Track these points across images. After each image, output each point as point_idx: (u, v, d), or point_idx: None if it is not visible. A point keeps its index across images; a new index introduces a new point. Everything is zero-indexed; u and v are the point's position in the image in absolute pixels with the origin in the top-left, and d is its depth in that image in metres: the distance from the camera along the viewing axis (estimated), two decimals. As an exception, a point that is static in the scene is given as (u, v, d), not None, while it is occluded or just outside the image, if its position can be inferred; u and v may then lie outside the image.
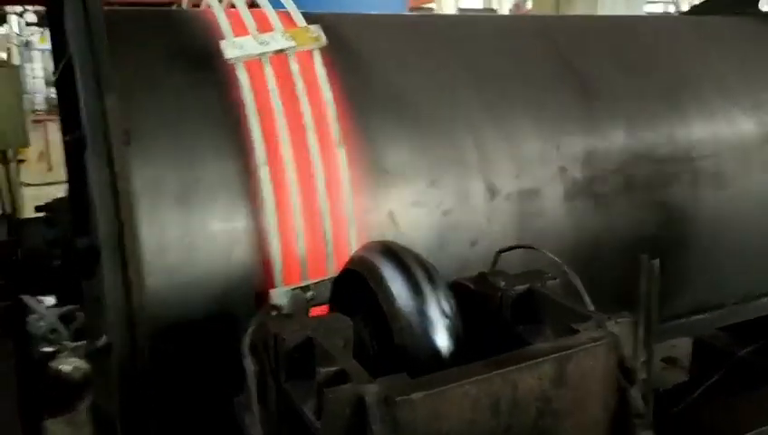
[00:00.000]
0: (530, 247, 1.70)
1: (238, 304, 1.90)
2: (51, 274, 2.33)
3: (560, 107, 2.41)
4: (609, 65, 2.62)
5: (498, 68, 2.42)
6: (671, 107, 2.61)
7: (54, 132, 14.23)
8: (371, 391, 1.16)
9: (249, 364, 1.35)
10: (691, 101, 2.66)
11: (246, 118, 1.92)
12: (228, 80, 1.97)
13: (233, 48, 1.94)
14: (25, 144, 7.32)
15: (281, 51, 1.99)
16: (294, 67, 2.00)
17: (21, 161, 9.91)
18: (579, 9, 7.82)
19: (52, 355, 5.45)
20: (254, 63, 1.97)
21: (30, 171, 11.64)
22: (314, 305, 1.97)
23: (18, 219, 2.33)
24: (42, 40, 18.21)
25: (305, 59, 2.03)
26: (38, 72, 17.02)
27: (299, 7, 2.13)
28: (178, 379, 1.87)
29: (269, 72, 1.97)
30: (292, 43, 2.00)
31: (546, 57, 2.53)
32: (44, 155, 13.52)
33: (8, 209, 7.53)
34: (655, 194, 2.48)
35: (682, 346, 4.50)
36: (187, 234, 1.86)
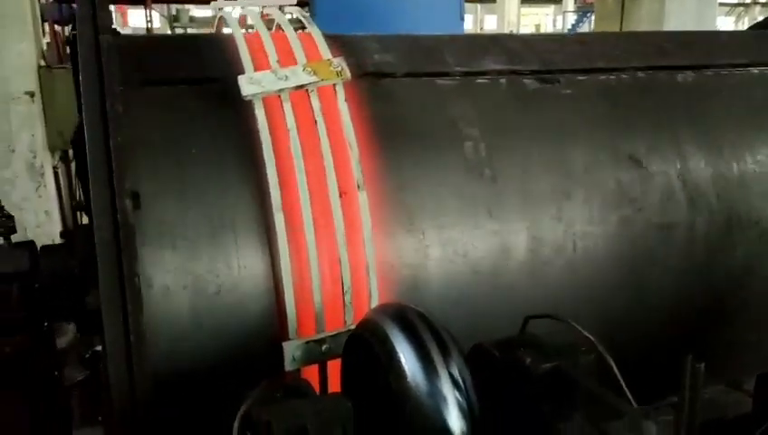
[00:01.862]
0: (562, 320, 1.52)
1: (250, 355, 1.79)
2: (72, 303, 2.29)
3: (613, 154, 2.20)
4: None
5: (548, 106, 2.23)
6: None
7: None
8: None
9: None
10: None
11: (263, 159, 1.81)
12: (247, 116, 1.86)
13: (250, 84, 1.83)
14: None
15: (301, 87, 1.87)
16: (315, 104, 1.88)
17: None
18: (644, 21, 7.45)
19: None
20: (273, 100, 1.86)
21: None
22: (330, 359, 1.86)
23: (42, 246, 2.28)
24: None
25: (328, 95, 1.91)
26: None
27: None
28: (182, 428, 1.77)
29: (288, 109, 1.85)
30: (314, 78, 1.88)
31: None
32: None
33: (67, 205, 7.75)
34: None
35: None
36: (197, 280, 1.76)
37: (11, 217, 2.25)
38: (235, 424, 1.26)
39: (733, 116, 2.42)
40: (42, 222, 6.65)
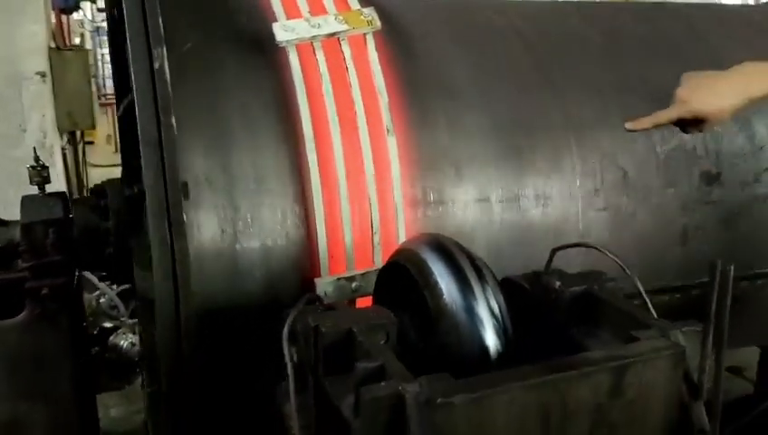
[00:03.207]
0: (590, 246, 1.59)
1: (283, 291, 1.86)
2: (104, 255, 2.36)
3: (624, 98, 2.27)
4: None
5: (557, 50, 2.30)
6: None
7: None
8: (411, 390, 1.09)
9: (288, 354, 1.30)
10: None
11: (297, 103, 1.87)
12: (280, 63, 1.92)
13: (284, 31, 1.89)
14: (92, 126, 7.53)
15: (333, 34, 1.93)
16: (347, 51, 1.94)
17: (89, 143, 10.23)
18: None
19: (111, 331, 5.61)
20: (305, 47, 1.92)
21: (98, 153, 12.07)
22: (359, 296, 1.92)
23: (73, 198, 2.35)
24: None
25: (358, 43, 1.97)
26: (108, 57, 17.55)
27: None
28: (222, 363, 1.84)
29: (320, 56, 1.92)
30: (345, 27, 1.94)
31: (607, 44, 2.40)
32: (111, 138, 13.95)
33: (75, 188, 7.80)
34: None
35: (748, 355, 4.27)
36: (235, 219, 1.83)
37: (45, 168, 2.32)
38: (285, 331, 1.33)
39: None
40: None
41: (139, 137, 1.62)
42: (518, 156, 2.11)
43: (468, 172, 2.04)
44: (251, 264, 1.85)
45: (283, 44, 1.89)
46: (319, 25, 1.92)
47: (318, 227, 1.86)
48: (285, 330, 1.33)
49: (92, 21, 17.34)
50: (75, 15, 15.88)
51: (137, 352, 6.07)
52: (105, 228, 2.32)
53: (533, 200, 2.09)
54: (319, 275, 1.88)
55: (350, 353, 1.28)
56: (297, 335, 1.37)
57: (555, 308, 1.52)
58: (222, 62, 1.92)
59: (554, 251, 1.65)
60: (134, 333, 6.26)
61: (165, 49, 1.66)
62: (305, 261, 1.89)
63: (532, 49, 2.28)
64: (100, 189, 2.36)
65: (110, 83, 16.81)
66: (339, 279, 1.88)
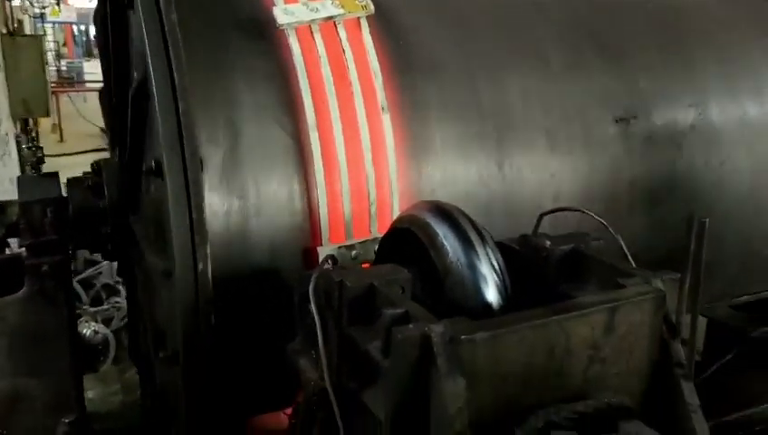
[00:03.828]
0: (576, 210, 1.76)
1: (287, 260, 1.98)
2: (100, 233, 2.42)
3: (592, 73, 2.46)
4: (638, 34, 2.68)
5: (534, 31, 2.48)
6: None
7: (66, 105, 14.33)
8: (437, 330, 1.23)
9: (315, 307, 1.42)
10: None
11: (298, 83, 1.99)
12: (280, 45, 2.03)
13: (284, 15, 2.01)
14: (47, 114, 7.40)
15: (330, 18, 2.05)
16: (342, 34, 2.07)
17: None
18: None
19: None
20: (304, 30, 2.04)
21: (43, 142, 11.76)
22: (359, 263, 2.06)
23: (68, 178, 2.40)
24: (54, 12, 18.20)
25: (353, 26, 2.10)
26: (50, 44, 17.06)
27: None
28: (232, 325, 1.95)
29: (318, 39, 2.04)
30: (341, 11, 2.06)
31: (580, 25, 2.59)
32: (57, 127, 13.61)
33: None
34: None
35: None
36: (242, 193, 1.93)
37: (40, 148, 2.37)
38: (311, 286, 1.45)
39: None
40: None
41: (159, 120, 1.71)
42: (498, 132, 2.27)
43: (455, 146, 2.19)
44: (258, 235, 1.96)
45: (284, 27, 2.00)
46: (317, 9, 2.04)
47: (320, 199, 1.99)
48: (311, 286, 1.45)
49: (33, 6, 16.77)
50: (16, 1, 15.36)
51: (100, 338, 6.05)
52: (101, 207, 2.38)
53: (515, 173, 2.26)
54: (320, 245, 2.01)
55: (372, 305, 1.42)
56: (319, 292, 1.49)
57: (546, 266, 1.69)
58: (227, 45, 2.01)
59: (542, 216, 1.82)
60: (96, 321, 6.24)
61: (180, 37, 1.75)
62: (307, 232, 2.01)
63: (511, 28, 2.45)
64: (95, 169, 2.42)
65: (51, 71, 16.34)
66: (339, 248, 2.01)
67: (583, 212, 1.72)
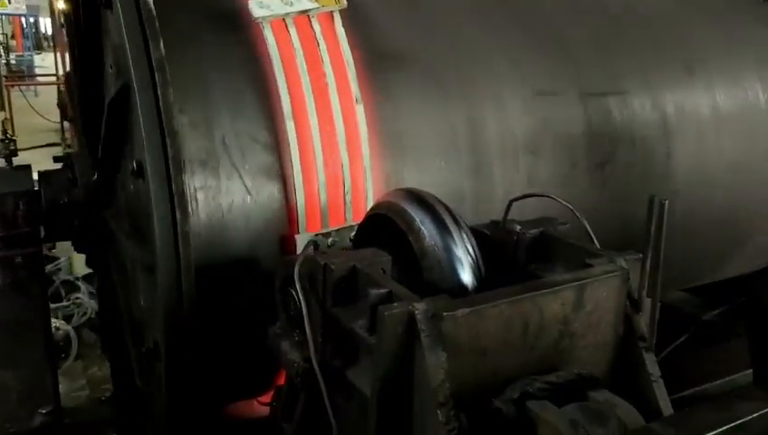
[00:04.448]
0: (543, 196, 1.86)
1: (265, 248, 2.02)
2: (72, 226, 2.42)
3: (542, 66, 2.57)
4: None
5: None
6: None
7: (18, 99, 13.92)
8: (420, 308, 1.31)
9: (300, 289, 1.48)
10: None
11: (274, 75, 2.03)
12: (256, 38, 2.07)
13: (260, 8, 2.05)
14: (2, 107, 7.22)
15: (305, 11, 2.10)
16: (317, 28, 2.12)
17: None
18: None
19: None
20: (279, 23, 2.08)
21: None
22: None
23: (40, 171, 2.40)
24: (2, 4, 17.63)
25: (327, 20, 2.15)
26: (-2, 37, 16.55)
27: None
28: (214, 311, 1.99)
29: (293, 31, 2.08)
30: (316, 5, 2.11)
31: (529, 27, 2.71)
32: (8, 122, 13.22)
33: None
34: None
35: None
36: (221, 184, 1.97)
37: (13, 141, 2.35)
38: (296, 269, 1.51)
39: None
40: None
41: (141, 118, 1.75)
42: (465, 121, 2.36)
43: (426, 136, 2.27)
44: (236, 224, 2.00)
45: (259, 20, 2.04)
46: (291, 3, 2.08)
47: (296, 189, 2.04)
48: (296, 269, 1.51)
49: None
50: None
51: (62, 335, 5.97)
52: (73, 200, 2.38)
53: (476, 161, 2.35)
54: (298, 233, 2.06)
55: (355, 286, 1.49)
56: (303, 275, 1.55)
57: (516, 250, 1.78)
58: (201, 38, 2.04)
59: (511, 202, 1.90)
60: (57, 318, 6.15)
61: (161, 40, 1.78)
62: (285, 220, 2.06)
63: (477, 20, 2.54)
64: (66, 163, 2.42)
65: None
66: (316, 235, 2.06)
67: (551, 198, 1.81)
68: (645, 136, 2.73)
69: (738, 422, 1.15)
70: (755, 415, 1.16)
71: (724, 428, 1.13)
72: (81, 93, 2.50)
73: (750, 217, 3.18)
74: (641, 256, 1.56)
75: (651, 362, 1.53)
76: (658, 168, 2.78)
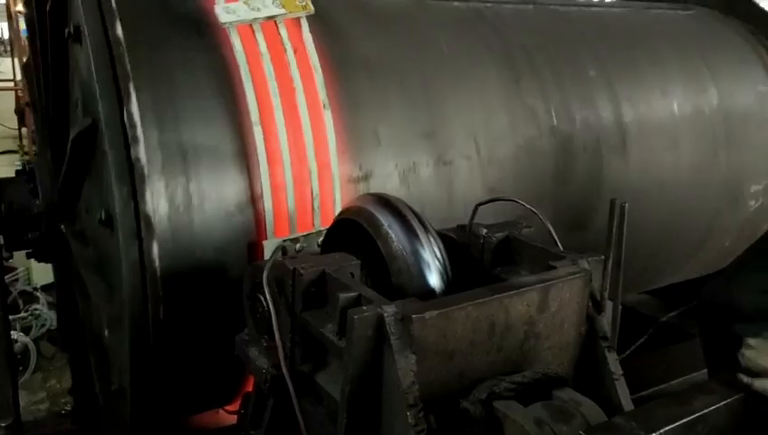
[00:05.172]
0: (509, 199, 1.89)
1: (233, 254, 2.02)
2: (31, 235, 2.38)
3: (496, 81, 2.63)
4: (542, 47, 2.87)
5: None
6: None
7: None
8: (389, 310, 1.32)
9: (269, 294, 1.48)
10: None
11: (240, 80, 2.03)
12: (222, 43, 2.07)
13: (227, 13, 2.04)
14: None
15: (271, 17, 2.10)
16: (283, 33, 2.12)
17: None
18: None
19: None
20: (245, 28, 2.08)
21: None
22: (302, 257, 2.12)
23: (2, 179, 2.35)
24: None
25: (293, 26, 2.16)
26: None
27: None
28: (181, 320, 1.97)
29: (260, 37, 2.09)
30: (282, 11, 2.12)
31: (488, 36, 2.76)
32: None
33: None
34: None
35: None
36: (187, 189, 1.96)
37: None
38: (264, 275, 1.51)
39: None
40: None
41: (103, 129, 1.74)
42: (431, 126, 2.40)
43: (392, 140, 2.29)
44: (203, 230, 1.99)
45: (226, 26, 2.04)
46: (258, 9, 2.09)
47: (264, 195, 2.04)
48: (265, 275, 1.51)
49: None
50: None
51: (20, 347, 5.82)
52: (34, 210, 2.34)
53: (441, 168, 2.38)
54: (265, 239, 2.06)
55: (323, 291, 1.50)
56: (272, 281, 1.55)
57: (482, 253, 1.81)
58: (168, 43, 2.03)
59: (477, 206, 1.94)
60: (14, 329, 5.99)
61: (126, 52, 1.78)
62: (252, 226, 2.06)
63: (442, 27, 2.58)
64: (28, 172, 2.37)
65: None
66: (284, 241, 2.06)
67: (516, 202, 1.85)
68: (602, 140, 2.81)
69: (697, 415, 1.19)
70: (713, 408, 1.21)
71: (684, 420, 1.17)
72: (42, 106, 2.46)
73: (707, 220, 3.29)
74: (603, 257, 1.61)
75: (613, 361, 1.57)
76: (615, 172, 2.85)
